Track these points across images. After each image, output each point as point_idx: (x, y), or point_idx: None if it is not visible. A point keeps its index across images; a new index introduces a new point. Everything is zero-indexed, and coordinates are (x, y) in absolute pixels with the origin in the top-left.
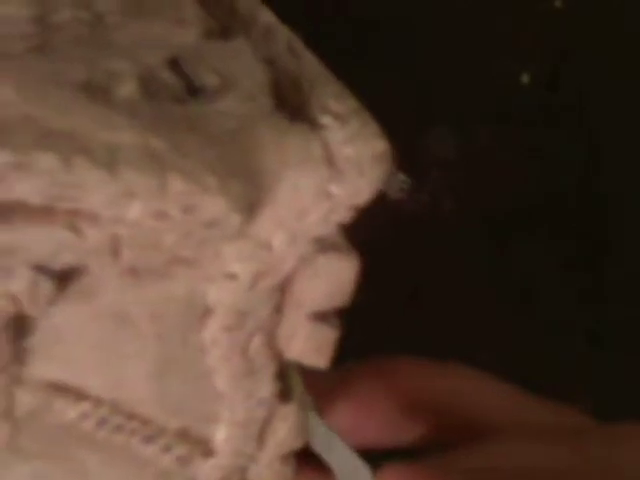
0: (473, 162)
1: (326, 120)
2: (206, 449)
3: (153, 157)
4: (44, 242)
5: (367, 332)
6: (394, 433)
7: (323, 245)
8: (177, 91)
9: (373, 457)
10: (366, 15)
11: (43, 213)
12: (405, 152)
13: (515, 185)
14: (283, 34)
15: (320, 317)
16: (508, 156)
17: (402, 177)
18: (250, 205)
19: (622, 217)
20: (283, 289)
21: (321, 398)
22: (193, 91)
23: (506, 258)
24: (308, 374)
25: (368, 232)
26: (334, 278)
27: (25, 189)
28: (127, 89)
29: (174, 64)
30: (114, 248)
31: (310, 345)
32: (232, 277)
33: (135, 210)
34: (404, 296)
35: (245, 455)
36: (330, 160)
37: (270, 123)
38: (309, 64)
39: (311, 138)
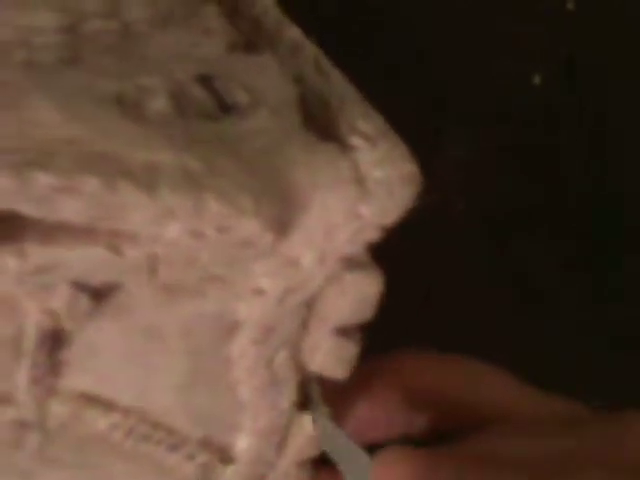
0: (484, 163)
1: (355, 141)
2: (226, 457)
3: (190, 178)
4: (85, 260)
5: (380, 332)
6: (406, 427)
7: (350, 263)
8: (209, 108)
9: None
10: (375, 16)
11: (85, 233)
12: (416, 152)
13: (515, 185)
14: (310, 51)
15: (343, 332)
16: (508, 156)
17: None
18: (282, 225)
19: (622, 217)
20: (309, 305)
21: (337, 392)
22: (225, 108)
23: (506, 258)
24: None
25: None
26: (359, 295)
27: (69, 211)
28: (159, 104)
29: (204, 80)
30: (152, 266)
31: (331, 359)
32: (260, 292)
33: (173, 230)
34: (417, 297)
35: (265, 463)
36: (359, 181)
37: (300, 142)
38: (336, 82)
39: (341, 159)
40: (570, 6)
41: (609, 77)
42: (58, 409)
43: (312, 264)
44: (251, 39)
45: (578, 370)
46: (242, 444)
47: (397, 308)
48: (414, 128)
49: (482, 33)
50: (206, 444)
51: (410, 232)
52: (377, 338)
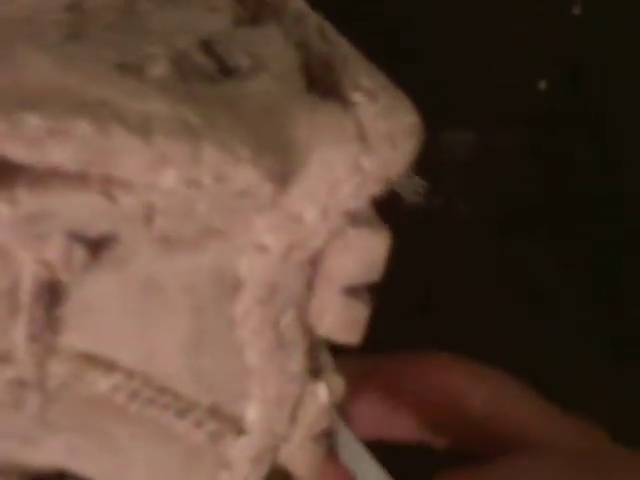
0: (489, 167)
1: (357, 97)
2: (238, 427)
3: (186, 127)
4: (78, 208)
5: (380, 332)
6: (422, 432)
7: (354, 219)
8: (210, 71)
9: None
10: (375, 17)
11: (78, 180)
12: (421, 155)
13: (516, 186)
14: (313, 19)
15: (351, 292)
16: (523, 161)
17: (418, 180)
18: (282, 177)
19: (622, 217)
20: (314, 263)
21: (350, 386)
22: (226, 72)
23: (506, 258)
24: (338, 360)
25: None
26: (365, 252)
27: (60, 155)
28: (160, 69)
29: (206, 46)
30: (147, 216)
31: (341, 320)
32: (263, 249)
33: (169, 177)
34: (418, 297)
35: (277, 434)
36: (361, 135)
37: (302, 101)
38: (340, 46)
39: (342, 114)
40: (576, 11)
41: (612, 81)
42: (58, 368)
43: (315, 219)
44: (256, 14)
45: (578, 370)
46: (252, 413)
47: (398, 308)
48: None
49: (486, 35)
50: (215, 412)
51: (411, 232)
52: (378, 338)
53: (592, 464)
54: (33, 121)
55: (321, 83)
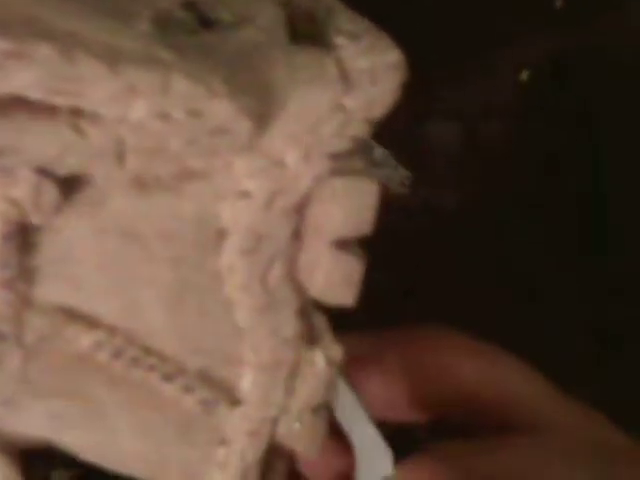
0: (474, 158)
1: (340, 40)
2: (232, 397)
3: (156, 59)
4: (46, 142)
5: (362, 327)
6: (424, 410)
7: (341, 169)
8: (190, 24)
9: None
10: (371, 15)
11: (45, 112)
12: (406, 146)
13: (500, 175)
14: None
15: (341, 246)
16: (509, 153)
17: (404, 172)
18: (260, 115)
19: (623, 216)
20: (301, 212)
21: (351, 365)
22: (207, 23)
23: (506, 255)
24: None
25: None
26: (353, 202)
27: (23, 80)
28: (141, 26)
29: (189, 4)
30: (118, 152)
31: (333, 277)
32: (246, 195)
33: (138, 109)
34: (412, 296)
35: (274, 405)
36: (343, 74)
37: (283, 48)
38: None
39: (323, 55)
40: (558, 3)
41: (594, 72)
42: (36, 322)
43: (297, 162)
44: None
45: (577, 369)
46: (246, 381)
47: (390, 307)
48: (406, 124)
49: (469, 26)
50: (205, 377)
51: (396, 223)
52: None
53: (592, 448)
54: None
55: (306, 37)
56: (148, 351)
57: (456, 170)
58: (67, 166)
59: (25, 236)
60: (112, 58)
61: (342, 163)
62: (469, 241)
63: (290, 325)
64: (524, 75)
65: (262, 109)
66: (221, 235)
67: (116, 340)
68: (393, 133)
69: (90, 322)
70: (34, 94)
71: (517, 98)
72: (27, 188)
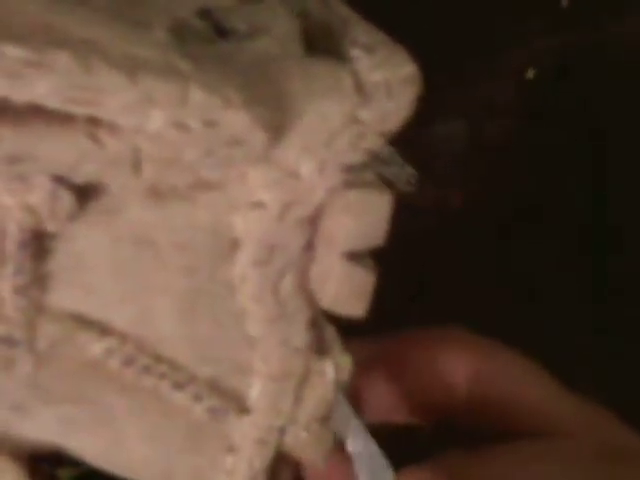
0: (480, 158)
1: (355, 52)
2: (241, 406)
3: (174, 70)
4: (63, 151)
5: (376, 331)
6: (428, 413)
7: (354, 181)
8: (206, 34)
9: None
10: (372, 14)
11: (63, 120)
12: (413, 146)
13: (515, 182)
14: None
15: (353, 258)
16: (514, 152)
17: (410, 170)
18: (276, 126)
19: (622, 216)
20: (314, 224)
21: (357, 369)
22: (223, 33)
23: (508, 256)
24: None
25: None
26: (366, 215)
27: (42, 89)
28: (158, 34)
29: (205, 13)
30: (135, 161)
31: (345, 289)
32: (260, 206)
33: (155, 119)
34: (414, 295)
35: (282, 414)
36: (358, 86)
37: (298, 59)
38: (339, 10)
39: (339, 67)
40: (564, 2)
41: (602, 74)
42: (48, 328)
43: (312, 174)
44: None
45: (577, 369)
46: (255, 390)
47: (394, 306)
48: (412, 124)
49: (474, 26)
50: (215, 386)
51: (403, 222)
52: (370, 331)
53: (602, 451)
54: (12, 52)
55: (321, 49)
56: (159, 359)
57: (461, 169)
58: (83, 174)
59: (40, 243)
60: (130, 67)
61: (355, 175)
62: (472, 240)
63: (300, 335)
64: (530, 74)
65: (277, 120)
66: (234, 245)
67: (127, 348)
68: (399, 132)
69: (102, 329)
70: (52, 103)
71: (523, 98)
72: (43, 195)
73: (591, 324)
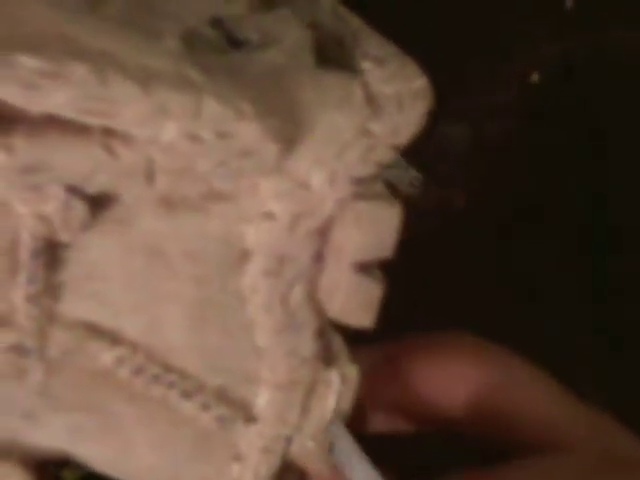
0: (483, 159)
1: (366, 65)
2: (248, 415)
3: (188, 81)
4: (77, 160)
5: (377, 331)
6: (442, 423)
7: (365, 192)
8: (218, 43)
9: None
10: (373, 14)
11: (77, 131)
12: (417, 148)
13: (516, 183)
14: (327, 0)
15: (362, 269)
16: (517, 154)
17: (414, 173)
18: (287, 137)
19: (622, 216)
20: (324, 235)
21: (364, 377)
22: (235, 44)
23: (509, 256)
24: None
25: None
26: (376, 226)
27: (57, 99)
28: (169, 43)
29: (216, 22)
30: (148, 172)
31: (353, 300)
32: (270, 217)
33: (169, 131)
34: (416, 295)
35: (289, 423)
36: (370, 99)
37: (310, 71)
38: (351, 22)
39: (350, 79)
40: (568, 5)
41: (605, 74)
42: (59, 336)
43: (322, 185)
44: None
45: (577, 369)
46: (262, 399)
47: (394, 306)
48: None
49: (477, 28)
50: (223, 395)
51: (407, 224)
52: (374, 336)
53: (609, 463)
54: (29, 62)
55: (333, 60)
56: (168, 368)
57: (464, 171)
58: (97, 185)
59: (53, 252)
60: (145, 79)
61: (365, 187)
62: (474, 241)
63: (308, 346)
64: (535, 78)
65: (289, 132)
66: (245, 256)
67: (137, 357)
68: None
69: (113, 338)
70: (67, 113)
71: (524, 100)
72: (57, 205)
73: (591, 324)
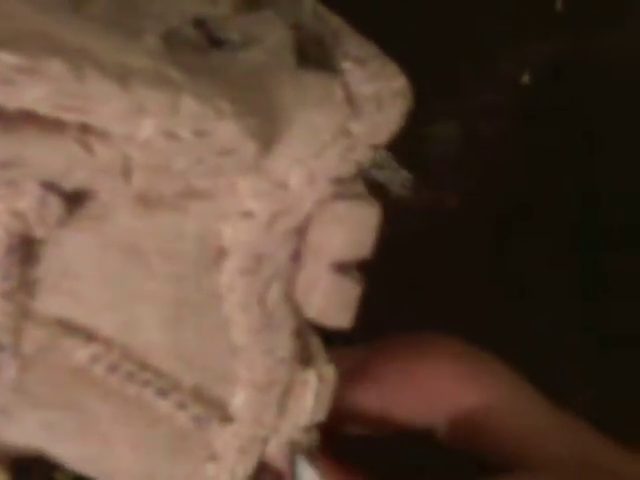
0: (475, 160)
1: (346, 65)
2: (224, 414)
3: (166, 79)
4: (53, 156)
5: (368, 329)
6: (417, 422)
7: (344, 192)
8: (199, 43)
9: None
10: (372, 15)
11: (54, 127)
12: (408, 149)
13: (509, 182)
14: (309, 1)
15: (340, 269)
16: (508, 154)
17: (405, 174)
18: (266, 136)
19: (616, 215)
20: (302, 234)
21: (342, 379)
22: (216, 44)
23: (505, 256)
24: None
25: None
26: (354, 225)
27: (34, 96)
28: (150, 41)
29: (198, 23)
30: (125, 169)
31: (330, 299)
32: (248, 215)
33: (146, 128)
34: (409, 294)
35: (265, 424)
36: (349, 99)
37: (290, 70)
38: (332, 23)
39: (329, 79)
40: (559, 6)
41: (594, 75)
42: (34, 333)
43: (301, 185)
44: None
45: (566, 367)
46: (238, 399)
47: (388, 305)
48: (406, 127)
49: (469, 29)
50: (199, 394)
51: (398, 225)
52: (366, 335)
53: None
54: (5, 58)
55: (313, 60)
56: (144, 366)
57: (456, 172)
58: (74, 181)
59: (28, 248)
60: (123, 76)
61: (344, 187)
62: (465, 240)
63: (285, 345)
64: (525, 79)
65: (268, 131)
66: (222, 254)
67: (112, 354)
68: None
69: (88, 335)
70: (43, 109)
71: (518, 100)
72: (32, 201)
73: (580, 322)
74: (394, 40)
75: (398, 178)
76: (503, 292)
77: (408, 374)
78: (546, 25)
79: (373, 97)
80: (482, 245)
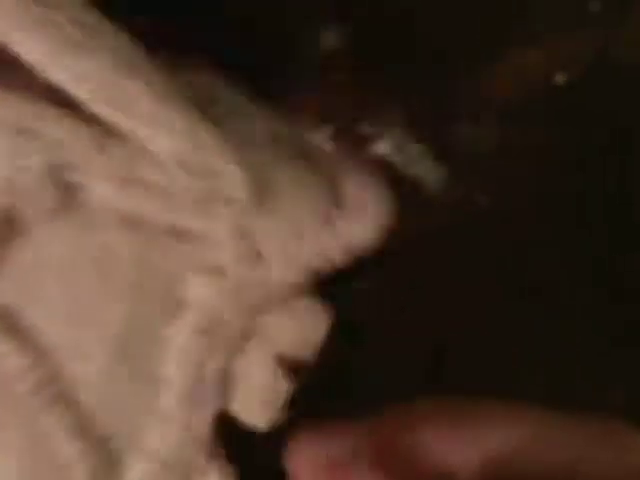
0: (507, 159)
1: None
2: (119, 477)
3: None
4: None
5: (373, 329)
6: None
7: (307, 293)
8: None
9: None
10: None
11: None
12: (440, 147)
13: (532, 179)
14: None
15: (281, 364)
16: (526, 151)
17: (439, 170)
18: (261, 189)
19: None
20: (257, 315)
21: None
22: None
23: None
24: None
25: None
26: (307, 325)
27: None
28: None
29: None
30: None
31: (261, 393)
32: (220, 273)
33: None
34: (420, 296)
35: None
36: (337, 198)
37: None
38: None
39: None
40: (593, 7)
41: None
42: None
43: (278, 265)
44: None
45: (578, 369)
46: (138, 469)
47: (397, 305)
48: (432, 127)
49: (504, 29)
50: (104, 447)
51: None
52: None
53: None
54: None
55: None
56: (66, 393)
57: (485, 172)
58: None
59: (7, 232)
60: None
61: (310, 283)
62: (495, 239)
63: (204, 427)
64: (559, 78)
65: (263, 184)
66: (181, 305)
67: (41, 370)
68: (421, 134)
69: (25, 337)
70: None
71: (548, 101)
72: (33, 178)
73: (592, 325)
74: (426, 40)
75: (433, 174)
76: (521, 291)
77: (416, 452)
78: (580, 24)
79: (357, 200)
80: (507, 245)
